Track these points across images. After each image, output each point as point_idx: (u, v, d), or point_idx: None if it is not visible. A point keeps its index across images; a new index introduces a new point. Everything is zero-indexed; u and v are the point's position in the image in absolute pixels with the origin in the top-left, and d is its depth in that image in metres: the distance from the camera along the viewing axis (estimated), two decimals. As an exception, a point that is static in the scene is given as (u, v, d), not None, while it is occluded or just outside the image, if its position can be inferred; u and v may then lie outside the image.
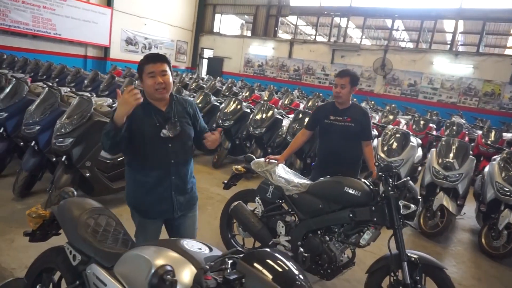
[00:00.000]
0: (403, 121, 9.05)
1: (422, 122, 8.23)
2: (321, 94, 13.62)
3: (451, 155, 4.43)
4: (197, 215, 2.36)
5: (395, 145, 4.81)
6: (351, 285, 3.17)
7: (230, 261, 1.18)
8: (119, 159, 3.96)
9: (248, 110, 6.12)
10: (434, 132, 8.31)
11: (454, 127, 8.00)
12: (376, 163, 2.75)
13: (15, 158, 4.61)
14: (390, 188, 2.48)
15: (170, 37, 19.22)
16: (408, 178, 2.65)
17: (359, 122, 3.24)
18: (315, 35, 17.69)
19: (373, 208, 2.53)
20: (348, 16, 16.13)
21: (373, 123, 7.09)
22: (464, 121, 9.94)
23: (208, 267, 1.13)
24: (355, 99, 12.05)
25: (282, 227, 2.93)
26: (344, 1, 15.99)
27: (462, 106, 13.63)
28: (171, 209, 2.15)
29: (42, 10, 13.07)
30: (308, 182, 2.98)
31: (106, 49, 15.81)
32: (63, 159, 3.55)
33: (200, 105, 6.63)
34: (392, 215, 2.44)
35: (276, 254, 1.24)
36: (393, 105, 12.46)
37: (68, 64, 10.64)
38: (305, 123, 3.56)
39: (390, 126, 5.25)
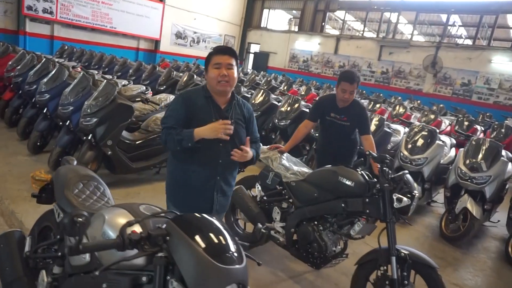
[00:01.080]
0: (446, 122, 8.53)
1: (466, 123, 7.70)
2: (364, 91, 13.27)
3: (480, 156, 4.14)
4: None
5: (420, 142, 4.59)
6: (347, 279, 3.13)
7: (164, 220, 1.27)
8: (140, 141, 4.23)
9: (276, 102, 6.15)
10: (481, 135, 7.75)
11: (502, 130, 7.39)
12: (367, 152, 2.68)
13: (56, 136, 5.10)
14: (385, 180, 2.43)
15: (218, 31, 19.68)
16: (406, 171, 2.57)
17: (355, 119, 3.38)
18: (363, 31, 17.11)
19: (367, 200, 2.49)
20: (399, 10, 15.41)
21: (400, 119, 6.79)
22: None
23: (135, 221, 1.23)
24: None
25: (278, 213, 2.97)
26: (396, -5, 15.29)
27: (522, 109, 12.48)
28: (210, 209, 2.13)
29: (100, 5, 14.06)
30: (308, 170, 3.00)
31: (156, 42, 16.60)
32: (89, 138, 3.88)
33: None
34: (385, 208, 2.39)
35: (212, 222, 1.31)
36: (441, 105, 11.79)
37: (122, 55, 11.41)
38: (308, 114, 3.64)
39: (417, 123, 5.01)
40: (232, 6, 19.73)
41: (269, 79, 11.10)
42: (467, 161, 4.17)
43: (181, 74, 8.47)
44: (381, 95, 12.74)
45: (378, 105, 8.93)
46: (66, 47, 11.55)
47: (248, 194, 3.15)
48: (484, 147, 4.19)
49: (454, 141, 5.67)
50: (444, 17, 15.09)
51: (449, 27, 15.75)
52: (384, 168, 2.43)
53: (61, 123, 4.59)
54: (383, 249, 2.38)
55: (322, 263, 2.67)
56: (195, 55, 17.44)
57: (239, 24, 20.63)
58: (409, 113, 8.71)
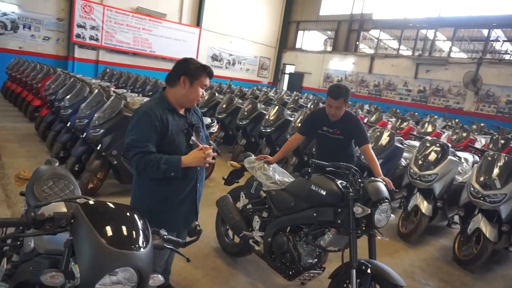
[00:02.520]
0: (483, 141, 7.99)
1: (501, 142, 7.16)
2: (398, 110, 12.85)
3: (495, 172, 3.84)
4: None
5: (431, 158, 4.35)
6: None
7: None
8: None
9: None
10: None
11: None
12: (310, 161, 2.65)
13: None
14: (346, 187, 2.36)
15: (253, 53, 20.19)
16: (378, 179, 2.47)
17: (349, 132, 3.32)
18: (398, 49, 16.70)
19: (339, 209, 2.41)
20: (436, 27, 14.90)
21: (411, 134, 6.51)
22: None
23: (44, 204, 1.33)
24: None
25: (257, 222, 2.96)
26: (432, 11, 14.84)
27: None
28: (195, 217, 2.18)
29: (141, 31, 15.08)
30: (289, 180, 2.97)
31: (193, 65, 17.37)
32: (98, 148, 4.15)
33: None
34: (348, 218, 2.30)
35: (122, 210, 1.37)
36: (482, 124, 11.09)
37: (162, 77, 12.08)
38: (299, 128, 3.61)
39: (429, 138, 4.75)
40: (267, 28, 20.24)
41: (296, 98, 11.17)
42: (481, 178, 3.88)
43: (221, 96, 8.23)
44: (415, 114, 12.24)
45: (405, 123, 8.59)
46: (107, 70, 12.48)
47: (231, 203, 3.18)
48: (499, 163, 3.88)
49: (478, 159, 5.26)
50: (485, 32, 14.35)
51: (491, 43, 14.92)
52: (351, 178, 2.36)
53: (81, 135, 4.97)
54: (345, 262, 2.28)
55: (295, 275, 2.59)
56: (230, 76, 17.97)
57: (274, 46, 21.04)
58: (439, 131, 8.28)
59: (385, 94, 16.35)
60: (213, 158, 2.06)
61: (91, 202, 1.36)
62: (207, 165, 2.00)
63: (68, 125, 5.18)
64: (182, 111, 2.13)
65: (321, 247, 2.52)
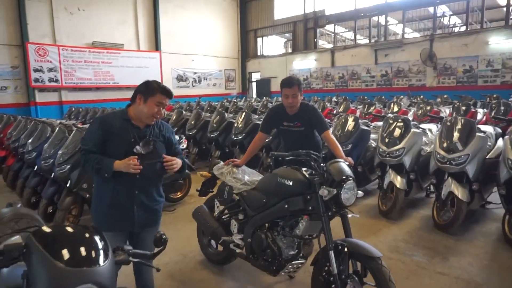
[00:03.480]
0: (447, 111, 8.28)
1: (463, 108, 7.46)
2: (365, 97, 13.17)
3: (454, 136, 3.99)
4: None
5: (395, 134, 4.49)
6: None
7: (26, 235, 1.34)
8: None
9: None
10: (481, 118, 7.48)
11: (502, 108, 7.10)
12: (270, 154, 2.72)
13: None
14: (312, 173, 2.41)
15: (217, 67, 20.35)
16: (340, 160, 2.54)
17: (308, 122, 3.38)
18: (355, 39, 17.21)
19: (308, 196, 2.46)
20: (386, 13, 15.47)
21: (374, 114, 6.70)
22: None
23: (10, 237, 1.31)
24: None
25: (235, 225, 2.98)
26: (379, -1, 15.43)
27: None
28: (131, 223, 2.24)
29: (101, 65, 14.98)
30: (259, 178, 3.01)
31: (159, 89, 17.32)
32: (67, 185, 4.07)
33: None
34: (317, 202, 2.35)
35: (75, 230, 1.36)
36: (445, 96, 11.48)
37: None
38: (260, 126, 3.63)
39: (390, 115, 4.91)
40: (227, 41, 20.47)
41: (264, 102, 11.30)
42: (444, 144, 4.03)
43: (189, 114, 8.49)
44: (382, 97, 12.57)
45: (373, 107, 8.82)
46: (73, 109, 12.29)
47: (207, 212, 3.18)
48: (457, 126, 4.04)
49: (500, 130, 5.01)
50: (432, 9, 15.00)
51: (439, 19, 15.60)
52: (313, 164, 2.42)
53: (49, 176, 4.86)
54: (323, 247, 2.33)
55: (279, 269, 2.60)
56: (198, 94, 18.01)
57: (236, 57, 21.28)
58: (405, 109, 8.54)
59: (351, 84, 16.75)
60: (184, 172, 2.35)
61: (44, 228, 1.35)
62: (132, 171, 2.10)
63: (35, 168, 5.07)
64: (141, 125, 2.25)
65: (298, 236, 2.56)
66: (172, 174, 4.74)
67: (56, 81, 13.66)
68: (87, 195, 4.03)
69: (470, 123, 4.02)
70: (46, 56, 13.33)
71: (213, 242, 3.43)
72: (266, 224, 2.73)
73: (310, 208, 2.43)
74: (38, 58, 13.13)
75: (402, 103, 9.20)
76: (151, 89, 2.17)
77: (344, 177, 2.33)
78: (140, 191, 2.23)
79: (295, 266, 2.65)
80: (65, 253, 1.24)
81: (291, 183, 2.53)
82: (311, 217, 2.48)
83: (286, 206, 2.54)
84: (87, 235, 1.36)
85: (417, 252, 3.52)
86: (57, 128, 4.67)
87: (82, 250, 1.28)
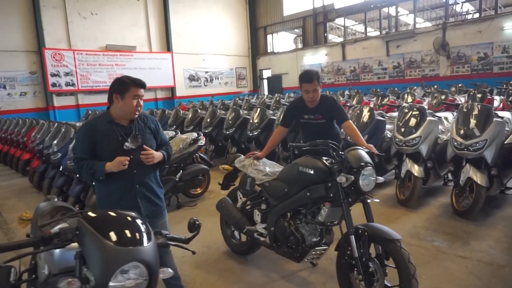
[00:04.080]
0: (462, 99, 8.21)
1: (479, 96, 7.39)
2: (378, 89, 13.10)
3: (471, 122, 4.00)
4: (167, 222, 2.58)
5: (411, 123, 4.52)
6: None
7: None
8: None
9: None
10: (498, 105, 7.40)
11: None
12: (288, 145, 2.80)
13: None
14: (332, 162, 2.49)
15: (228, 66, 20.48)
16: (359, 147, 2.60)
17: (329, 114, 3.40)
18: (365, 32, 17.09)
19: (329, 184, 2.54)
20: (396, 3, 15.32)
21: (389, 105, 6.69)
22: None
23: (48, 223, 1.44)
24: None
25: (258, 215, 3.07)
26: (389, -11, 15.28)
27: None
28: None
29: (115, 68, 15.27)
30: (279, 169, 3.10)
31: (172, 89, 17.57)
32: (93, 183, 4.23)
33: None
34: (337, 190, 2.43)
35: (120, 214, 1.48)
36: (460, 85, 11.35)
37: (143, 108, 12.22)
38: (280, 120, 3.68)
39: (405, 104, 4.93)
40: (237, 39, 20.57)
41: (277, 99, 11.37)
42: (461, 131, 4.04)
43: (204, 112, 8.58)
44: (395, 89, 12.50)
45: (386, 99, 8.80)
46: (90, 112, 12.57)
47: (230, 203, 3.30)
48: (474, 113, 4.05)
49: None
50: (444, -2, 14.80)
51: (452, 7, 15.35)
52: (332, 152, 2.50)
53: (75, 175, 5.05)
54: (345, 232, 2.40)
55: (303, 255, 2.69)
56: (210, 93, 18.19)
57: (247, 55, 21.37)
58: (419, 99, 8.50)
59: (363, 77, 16.65)
60: (164, 164, 2.46)
61: (91, 213, 1.48)
62: (124, 167, 2.19)
63: (60, 169, 5.27)
64: (125, 122, 2.33)
65: (320, 222, 2.64)
66: (192, 171, 4.93)
67: (73, 85, 14.01)
68: (113, 192, 4.19)
69: (487, 108, 4.03)
70: (62, 61, 13.67)
71: (236, 233, 3.54)
72: (289, 213, 2.83)
73: (331, 195, 2.50)
74: (54, 63, 13.48)
75: (416, 94, 9.14)
76: (124, 85, 2.24)
77: (362, 164, 2.39)
78: (141, 184, 2.34)
79: (318, 252, 2.74)
80: (113, 234, 1.35)
81: (312, 172, 2.61)
82: (333, 203, 2.55)
83: (308, 194, 2.62)
84: (129, 219, 1.48)
85: (437, 238, 3.56)
86: (79, 128, 4.83)
87: (128, 231, 1.40)
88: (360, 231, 2.32)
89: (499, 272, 2.90)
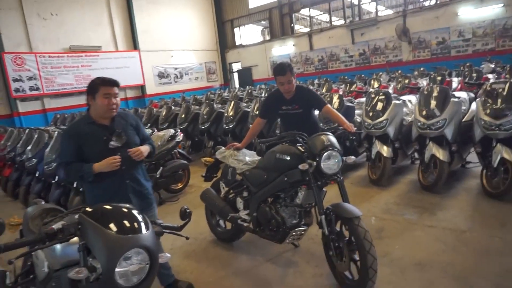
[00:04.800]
0: (424, 82, 8.67)
1: (438, 78, 7.85)
2: (346, 77, 13.50)
3: (432, 103, 4.31)
4: (156, 214, 2.68)
5: (378, 107, 4.80)
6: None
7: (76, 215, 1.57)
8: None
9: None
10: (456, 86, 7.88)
11: (474, 75, 7.50)
12: (258, 141, 2.99)
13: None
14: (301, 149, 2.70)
15: (197, 61, 20.36)
16: (314, 135, 2.76)
17: (306, 103, 3.54)
18: (330, 21, 17.48)
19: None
20: (358, -8, 15.78)
21: (357, 91, 7.02)
22: (493, 66, 9.17)
23: (50, 220, 1.53)
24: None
25: (241, 202, 3.24)
26: (351, -21, 15.68)
27: (503, 50, 12.45)
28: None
29: (81, 69, 14.86)
30: (258, 158, 3.26)
31: (142, 87, 17.31)
32: (74, 185, 4.24)
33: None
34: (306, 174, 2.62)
35: (117, 206, 1.59)
36: (421, 69, 11.90)
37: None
38: (258, 112, 3.83)
39: (372, 89, 5.22)
40: (204, 34, 20.45)
41: (249, 91, 11.51)
42: (423, 112, 4.35)
43: (178, 108, 8.54)
44: (362, 76, 12.94)
45: (354, 86, 9.14)
46: (58, 116, 12.24)
47: (214, 194, 3.44)
48: (434, 94, 4.37)
49: (473, 95, 5.45)
50: (402, -15, 15.36)
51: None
52: (300, 140, 2.69)
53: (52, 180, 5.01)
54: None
55: (284, 236, 2.86)
56: (181, 89, 18.07)
57: (215, 49, 21.30)
58: (384, 84, 8.89)
59: (331, 65, 17.08)
60: (153, 156, 2.59)
61: (89, 208, 1.58)
62: (117, 166, 2.29)
63: (37, 175, 5.20)
64: (106, 122, 2.41)
65: (298, 205, 2.82)
66: (172, 167, 5.01)
67: (37, 89, 13.53)
68: (94, 193, 4.22)
69: (445, 90, 4.36)
70: (23, 65, 13.16)
71: (221, 222, 3.69)
72: (269, 198, 3.00)
73: (307, 178, 2.69)
74: (16, 68, 12.96)
75: (381, 79, 9.56)
76: (93, 87, 2.32)
77: (321, 149, 2.58)
78: (130, 179, 2.44)
79: (298, 233, 2.92)
80: (113, 225, 1.47)
81: (288, 158, 2.79)
82: (308, 186, 2.74)
83: (285, 179, 2.79)
84: (126, 210, 1.60)
85: (408, 211, 3.86)
86: (56, 133, 4.80)
87: (126, 221, 1.51)
88: (327, 211, 2.53)
89: (462, 236, 3.22)
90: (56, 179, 4.69)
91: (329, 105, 3.58)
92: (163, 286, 2.81)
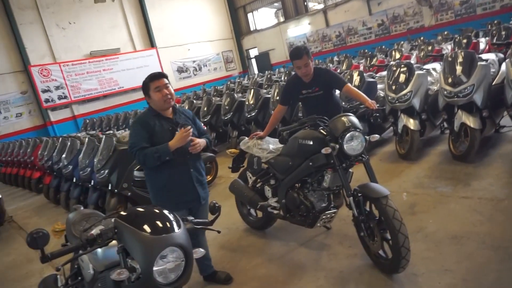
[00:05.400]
0: (449, 47, 8.28)
1: (464, 41, 7.46)
2: (366, 50, 13.12)
3: (457, 69, 4.13)
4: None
5: (400, 79, 4.65)
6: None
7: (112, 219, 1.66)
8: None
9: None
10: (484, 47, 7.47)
11: (503, 33, 7.07)
12: (280, 129, 2.96)
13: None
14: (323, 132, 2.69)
15: (214, 51, 20.36)
16: (335, 117, 2.72)
17: (325, 84, 3.46)
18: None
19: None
20: (371, -41, 15.11)
21: (377, 65, 6.78)
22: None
23: (89, 226, 1.63)
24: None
25: (269, 190, 3.28)
26: None
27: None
28: (197, 199, 2.59)
29: (103, 73, 15.27)
30: (282, 146, 3.27)
31: (163, 84, 17.57)
32: (109, 188, 4.44)
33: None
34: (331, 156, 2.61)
35: (149, 209, 1.67)
36: (445, 32, 11.36)
37: (138, 108, 12.45)
38: (279, 99, 3.75)
39: (392, 62, 5.05)
40: (218, 23, 20.37)
41: (268, 76, 11.43)
42: (448, 79, 4.18)
43: (199, 102, 8.48)
44: (383, 47, 12.52)
45: (375, 59, 8.88)
46: (87, 121, 12.72)
47: (242, 184, 3.50)
48: (459, 60, 4.18)
49: (502, 55, 5.17)
50: None
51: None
52: (322, 124, 2.68)
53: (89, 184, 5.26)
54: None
55: (314, 220, 2.88)
56: (201, 81, 18.22)
57: (231, 37, 21.20)
58: (406, 54, 8.57)
59: (349, 40, 16.60)
60: (211, 147, 2.51)
61: (122, 213, 1.67)
62: (191, 143, 2.44)
63: (74, 180, 5.47)
64: (169, 114, 2.56)
65: (326, 188, 2.83)
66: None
67: (65, 97, 14.06)
68: (129, 193, 4.40)
69: (470, 54, 4.15)
70: (50, 76, 13.68)
71: (252, 211, 3.76)
72: (296, 184, 3.02)
73: (331, 161, 2.68)
74: (43, 79, 13.50)
75: (403, 49, 9.21)
76: (144, 86, 2.48)
77: (343, 131, 2.56)
78: (194, 168, 2.57)
79: (328, 216, 2.93)
80: (147, 226, 1.55)
81: (311, 143, 2.79)
82: (334, 169, 2.73)
83: (310, 164, 2.80)
84: (157, 211, 1.67)
85: (440, 184, 3.77)
86: (87, 139, 5.02)
87: (159, 222, 1.59)
88: (355, 192, 2.52)
89: (500, 205, 3.11)
90: (92, 183, 4.93)
91: (349, 84, 3.49)
92: (202, 276, 2.93)
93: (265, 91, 6.93)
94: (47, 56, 13.85)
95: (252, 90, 6.68)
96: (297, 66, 3.36)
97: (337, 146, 2.53)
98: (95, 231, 1.67)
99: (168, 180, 2.51)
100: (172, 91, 2.51)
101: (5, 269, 4.31)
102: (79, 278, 2.20)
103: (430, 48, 7.91)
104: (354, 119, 2.68)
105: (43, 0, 13.77)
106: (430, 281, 2.39)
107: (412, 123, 4.51)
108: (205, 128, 2.86)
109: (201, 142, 2.58)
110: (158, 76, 2.48)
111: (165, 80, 2.49)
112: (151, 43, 17.20)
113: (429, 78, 4.87)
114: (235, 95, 7.22)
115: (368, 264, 2.69)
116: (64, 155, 5.51)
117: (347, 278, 2.63)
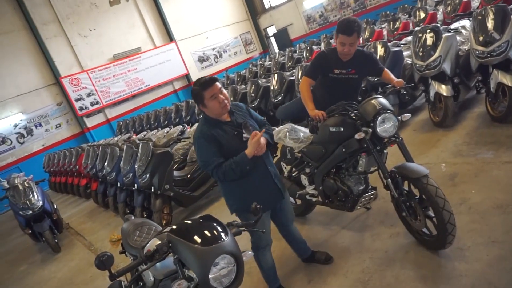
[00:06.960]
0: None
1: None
2: (388, 12, 12.53)
3: (489, 27, 3.91)
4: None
5: (427, 45, 4.45)
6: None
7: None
8: (191, 173, 4.93)
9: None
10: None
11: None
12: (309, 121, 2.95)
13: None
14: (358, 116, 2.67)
15: (232, 36, 20.19)
16: (363, 102, 2.69)
17: (363, 68, 3.20)
18: (359, -46, 16.04)
19: None
20: None
21: (400, 33, 6.46)
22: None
23: (147, 242, 1.78)
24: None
25: (305, 179, 3.34)
26: None
27: None
28: (280, 193, 2.52)
29: (128, 74, 15.64)
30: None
31: (187, 76, 17.77)
32: (152, 191, 4.68)
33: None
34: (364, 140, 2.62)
35: (196, 220, 1.80)
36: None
37: (166, 104, 12.69)
38: (306, 71, 3.35)
39: (417, 28, 4.83)
40: (232, 6, 20.09)
41: (290, 55, 11.21)
42: (480, 38, 3.97)
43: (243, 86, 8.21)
44: (406, 6, 11.89)
45: (398, 22, 8.49)
46: (121, 123, 13.22)
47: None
48: (490, 17, 3.94)
49: None
50: None
51: None
52: (351, 110, 2.67)
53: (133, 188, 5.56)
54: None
55: (354, 204, 2.92)
56: (223, 68, 18.23)
57: (247, 18, 20.88)
58: (432, 11, 8.11)
59: (369, 3, 15.87)
60: (273, 140, 2.50)
61: (173, 227, 1.80)
62: (263, 147, 2.29)
63: (119, 185, 5.79)
64: (227, 118, 2.40)
65: (362, 172, 2.86)
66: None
67: (97, 103, 14.61)
68: (171, 194, 4.63)
69: (502, 8, 3.89)
70: (80, 84, 14.22)
71: (291, 199, 3.85)
72: (332, 170, 3.06)
73: (364, 145, 2.68)
74: (74, 88, 14.07)
75: (427, 7, 8.71)
76: (197, 95, 2.27)
77: (374, 114, 2.53)
78: (271, 165, 2.52)
79: (367, 198, 2.96)
80: (197, 238, 1.67)
81: (342, 129, 2.80)
82: (368, 153, 2.74)
83: (343, 150, 2.82)
84: (204, 221, 1.79)
85: (480, 150, 3.65)
86: (125, 146, 5.26)
87: (207, 232, 1.71)
88: (392, 174, 2.52)
89: (547, 167, 3.00)
90: (136, 187, 5.20)
91: (386, 69, 3.24)
92: (301, 259, 3.04)
93: (288, 73, 6.87)
94: (74, 66, 14.37)
95: (276, 75, 6.65)
96: (341, 42, 2.96)
97: (370, 130, 2.53)
98: (151, 245, 1.82)
99: (251, 183, 2.39)
100: (227, 94, 2.32)
101: (71, 274, 4.72)
102: (140, 283, 2.41)
103: (457, 1, 7.41)
104: (383, 100, 2.65)
105: (62, 12, 14.18)
106: (478, 253, 2.39)
107: (444, 89, 4.35)
108: (264, 118, 2.65)
109: (264, 141, 2.34)
110: (210, 83, 2.23)
111: (218, 84, 2.26)
112: (170, 37, 17.32)
113: (458, 38, 4.64)
114: (259, 81, 7.22)
115: (413, 242, 2.72)
116: (106, 163, 5.82)
117: (392, 258, 2.68)
